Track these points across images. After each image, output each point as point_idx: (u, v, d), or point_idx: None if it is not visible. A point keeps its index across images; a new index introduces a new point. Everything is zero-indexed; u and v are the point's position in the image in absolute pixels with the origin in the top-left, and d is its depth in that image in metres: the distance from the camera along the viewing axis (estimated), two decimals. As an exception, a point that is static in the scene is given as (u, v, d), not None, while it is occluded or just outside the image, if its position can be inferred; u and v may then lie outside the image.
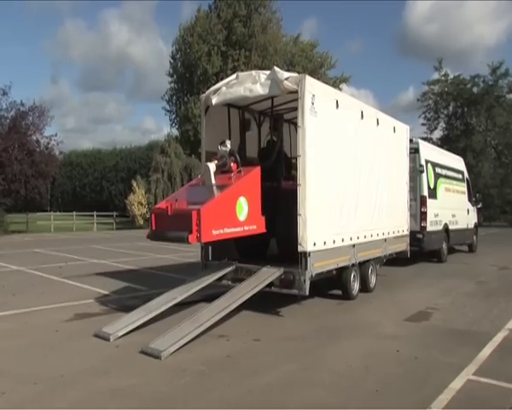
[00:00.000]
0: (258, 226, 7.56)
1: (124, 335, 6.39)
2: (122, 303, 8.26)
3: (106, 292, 9.31)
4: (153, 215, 7.36)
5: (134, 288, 9.66)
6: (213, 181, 7.52)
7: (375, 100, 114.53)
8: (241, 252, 8.82)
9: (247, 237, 7.50)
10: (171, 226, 6.95)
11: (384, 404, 4.44)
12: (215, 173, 7.60)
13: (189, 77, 34.84)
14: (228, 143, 7.94)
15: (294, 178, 8.06)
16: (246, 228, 7.36)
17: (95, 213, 34.95)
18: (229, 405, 4.43)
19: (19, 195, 28.07)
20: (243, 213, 7.28)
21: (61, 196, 58.66)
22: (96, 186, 57.06)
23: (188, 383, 4.95)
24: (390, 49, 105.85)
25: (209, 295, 7.96)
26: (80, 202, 54.43)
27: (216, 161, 7.74)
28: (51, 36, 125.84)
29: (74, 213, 36.09)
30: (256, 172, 7.63)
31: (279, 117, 8.62)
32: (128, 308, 7.39)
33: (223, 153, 7.82)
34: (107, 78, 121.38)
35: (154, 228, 7.27)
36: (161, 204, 7.46)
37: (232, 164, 7.65)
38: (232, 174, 7.50)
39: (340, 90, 33.23)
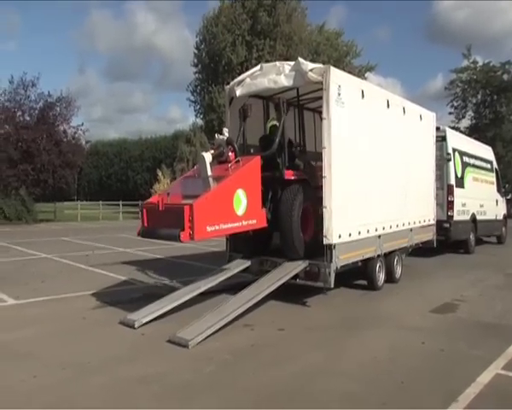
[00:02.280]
0: (258, 220, 7.16)
1: (148, 322, 6.48)
2: (147, 292, 8.35)
3: (131, 280, 9.44)
4: (144, 210, 6.94)
5: (159, 276, 9.76)
6: (209, 172, 6.98)
7: (402, 88, 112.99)
8: (244, 247, 8.41)
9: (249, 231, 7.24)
10: (162, 223, 6.57)
11: (409, 396, 4.41)
12: (212, 164, 7.11)
13: (214, 67, 34.79)
14: (225, 131, 7.59)
15: (297, 168, 7.97)
16: (244, 223, 6.91)
17: (120, 202, 35.38)
18: (253, 393, 4.46)
19: (47, 184, 28.62)
20: (241, 206, 6.81)
21: (87, 185, 59.53)
22: (121, 176, 57.70)
23: (213, 371, 4.99)
24: (418, 35, 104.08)
25: (233, 285, 8.01)
26: (106, 191, 55.17)
27: (212, 151, 7.31)
28: (78, 27, 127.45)
29: (100, 202, 36.57)
30: (255, 161, 7.18)
31: (279, 101, 7.93)
32: (153, 297, 7.47)
33: (220, 142, 7.42)
34: (134, 67, 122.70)
35: (145, 224, 6.91)
36: (153, 198, 7.12)
37: (230, 153, 7.25)
38: (230, 165, 7.02)
39: (365, 79, 32.82)
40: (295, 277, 7.55)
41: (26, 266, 11.49)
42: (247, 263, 8.14)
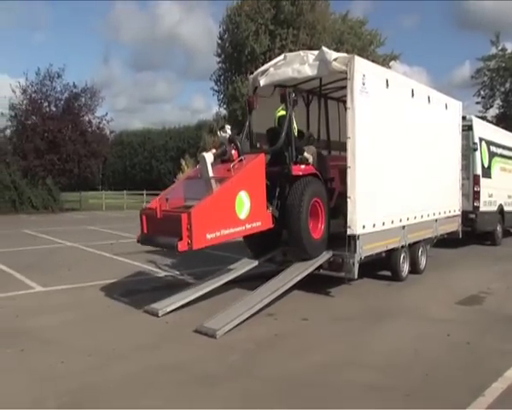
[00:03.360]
0: (263, 222, 6.83)
1: (172, 311, 6.55)
2: (171, 280, 8.43)
3: (155, 269, 9.53)
4: (143, 217, 6.68)
5: (183, 265, 9.83)
6: (211, 173, 6.68)
7: (428, 77, 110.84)
8: (252, 246, 8.12)
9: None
10: (161, 230, 6.34)
11: (434, 389, 4.36)
12: (214, 163, 6.82)
13: (237, 56, 34.67)
14: (228, 128, 7.30)
15: (306, 161, 7.64)
16: (248, 226, 6.58)
17: (144, 191, 35.74)
18: (276, 383, 4.47)
19: (72, 174, 29.13)
20: (244, 209, 6.47)
21: (112, 174, 60.26)
22: (145, 165, 58.32)
23: (236, 360, 5.03)
24: (445, 22, 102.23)
25: (257, 275, 8.02)
26: (130, 180, 55.83)
27: (214, 150, 7.01)
28: (103, 18, 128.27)
29: (125, 191, 37.02)
30: (259, 160, 6.85)
31: (285, 92, 7.53)
32: (176, 286, 7.54)
33: (222, 139, 7.13)
34: (158, 57, 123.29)
35: (145, 231, 6.67)
36: (152, 203, 6.76)
37: (233, 151, 6.93)
38: (232, 165, 6.66)
39: (390, 68, 32.34)
40: (319, 267, 7.54)
41: (53, 254, 11.70)
42: (271, 253, 8.09)
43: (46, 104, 28.38)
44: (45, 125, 27.26)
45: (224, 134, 7.17)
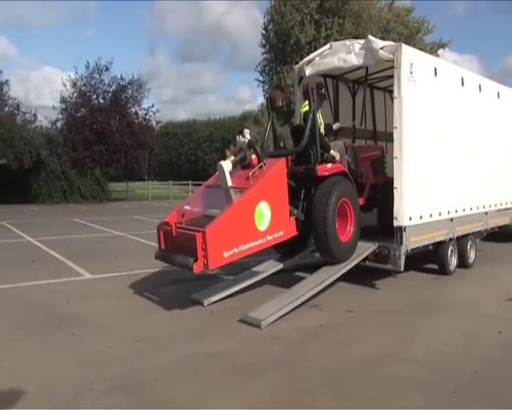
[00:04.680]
0: (285, 231, 6.48)
1: (217, 301, 6.63)
2: (216, 271, 8.51)
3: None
4: (161, 233, 6.43)
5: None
6: (229, 183, 6.28)
7: (480, 65, 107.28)
8: (279, 247, 7.49)
9: None
10: (177, 248, 6.10)
11: (483, 387, 4.24)
12: (233, 170, 6.47)
13: (282, 47, 34.50)
14: (247, 132, 6.88)
15: (333, 159, 7.27)
16: (269, 238, 6.22)
17: (190, 182, 36.18)
18: (320, 374, 4.46)
19: (119, 164, 29.79)
20: (264, 221, 6.12)
21: (157, 165, 61.34)
22: (191, 156, 59.05)
23: (281, 350, 5.04)
24: (498, 6, 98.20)
25: (302, 266, 8.02)
26: (176, 171, 56.66)
27: (233, 157, 6.69)
28: (149, 10, 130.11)
29: (170, 182, 37.59)
30: (279, 166, 6.50)
31: (308, 88, 7.07)
32: (221, 277, 7.61)
33: (241, 144, 6.77)
34: (203, 49, 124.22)
35: (162, 247, 6.45)
36: (170, 216, 6.49)
37: (253, 156, 6.55)
38: (251, 173, 6.27)
39: (437, 56, 31.45)
40: (364, 258, 7.44)
41: (101, 242, 12.05)
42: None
43: (95, 97, 29.10)
44: (94, 117, 27.99)
45: (242, 139, 6.80)
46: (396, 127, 7.15)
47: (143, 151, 30.93)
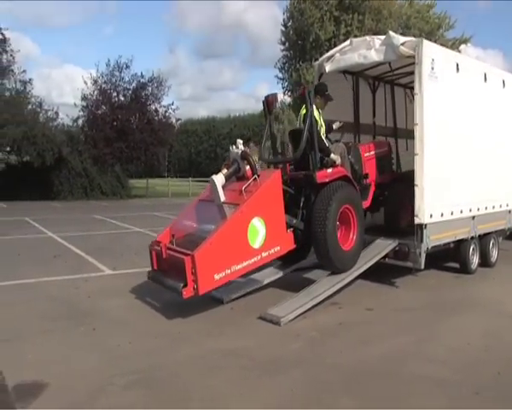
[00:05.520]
0: (282, 246, 6.18)
1: (236, 298, 6.65)
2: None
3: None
4: (153, 253, 6.28)
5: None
6: (222, 198, 6.09)
7: (504, 60, 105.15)
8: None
9: None
10: (167, 270, 5.98)
11: (506, 389, 4.16)
12: (226, 184, 6.29)
13: (301, 44, 34.37)
14: (240, 143, 6.56)
15: (333, 164, 6.92)
16: (264, 255, 5.93)
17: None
18: (340, 371, 4.44)
19: (139, 161, 30.04)
20: (258, 238, 5.85)
21: (177, 162, 61.57)
22: (210, 153, 59.11)
23: (300, 347, 5.03)
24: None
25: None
26: (195, 168, 56.80)
27: (225, 170, 6.43)
28: (169, 7, 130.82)
29: (190, 178, 37.74)
30: (274, 179, 6.19)
31: (305, 91, 6.82)
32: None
33: (234, 156, 6.48)
34: (222, 46, 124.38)
35: (155, 267, 6.32)
36: (161, 235, 6.45)
37: (247, 168, 6.29)
38: (244, 187, 6.03)
39: (459, 52, 31.01)
40: (384, 256, 7.36)
41: (121, 238, 12.17)
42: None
43: (115, 94, 29.32)
44: (114, 114, 28.23)
45: (236, 150, 6.49)
46: (417, 124, 7.05)
47: (163, 148, 31.13)
